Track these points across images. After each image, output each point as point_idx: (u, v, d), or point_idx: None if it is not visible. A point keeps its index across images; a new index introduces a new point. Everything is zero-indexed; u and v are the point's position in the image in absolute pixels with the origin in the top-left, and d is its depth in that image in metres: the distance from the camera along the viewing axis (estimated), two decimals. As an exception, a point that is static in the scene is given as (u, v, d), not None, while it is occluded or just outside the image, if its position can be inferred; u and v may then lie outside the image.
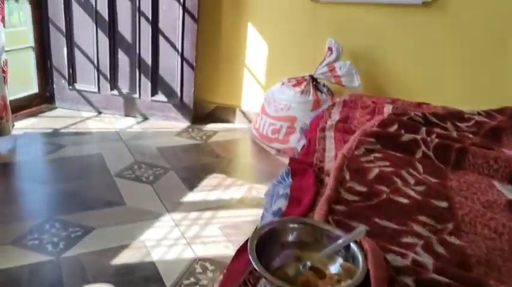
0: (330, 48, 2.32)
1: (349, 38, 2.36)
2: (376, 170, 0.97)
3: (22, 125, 2.40)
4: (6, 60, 2.20)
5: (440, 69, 2.30)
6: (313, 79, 2.35)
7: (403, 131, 1.16)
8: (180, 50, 2.46)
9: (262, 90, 2.61)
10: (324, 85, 2.38)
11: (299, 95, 2.29)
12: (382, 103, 1.46)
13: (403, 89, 2.36)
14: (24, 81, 2.67)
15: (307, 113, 2.27)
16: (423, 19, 2.26)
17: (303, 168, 0.95)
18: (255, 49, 2.56)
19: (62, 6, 2.44)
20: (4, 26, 2.17)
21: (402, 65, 2.35)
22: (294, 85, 2.33)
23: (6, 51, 2.20)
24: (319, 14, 2.39)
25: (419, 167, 1.01)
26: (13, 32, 2.26)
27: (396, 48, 2.34)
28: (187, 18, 2.40)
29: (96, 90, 2.58)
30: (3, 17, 2.15)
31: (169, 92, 2.56)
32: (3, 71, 2.19)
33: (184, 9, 2.39)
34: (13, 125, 2.28)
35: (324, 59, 2.33)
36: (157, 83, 2.55)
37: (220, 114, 2.71)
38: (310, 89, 2.31)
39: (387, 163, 1.01)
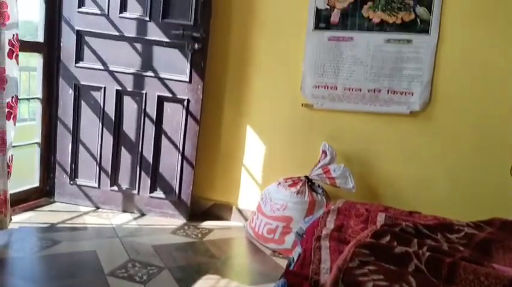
0: (324, 152, 2.43)
1: (342, 142, 2.49)
2: (370, 285, 0.99)
3: (19, 219, 2.41)
4: (12, 155, 2.28)
5: (430, 174, 2.40)
6: (309, 180, 2.43)
7: (395, 243, 1.19)
8: (181, 149, 2.57)
9: (259, 189, 2.67)
10: (319, 186, 2.45)
11: (295, 195, 2.35)
12: (376, 211, 1.51)
13: (395, 191, 2.44)
14: (25, 175, 2.72)
15: (303, 213, 2.31)
16: (412, 126, 2.41)
17: (299, 281, 0.97)
18: (253, 149, 2.68)
19: (72, 105, 2.59)
20: (15, 124, 2.28)
21: (393, 169, 2.45)
22: (290, 185, 2.40)
23: (13, 146, 2.29)
24: (314, 119, 2.55)
25: (413, 281, 1.03)
26: (21, 127, 2.36)
27: (387, 153, 2.46)
28: (190, 120, 2.54)
29: (96, 185, 2.64)
30: (14, 115, 2.27)
31: (167, 189, 2.61)
32: (8, 166, 2.25)
33: (188, 112, 2.54)
34: (10, 219, 2.29)
35: (319, 161, 2.43)
36: (157, 180, 2.62)
37: (217, 211, 2.74)
38: (306, 189, 2.37)
39: (381, 277, 1.04)
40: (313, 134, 2.55)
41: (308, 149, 2.55)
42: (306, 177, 2.44)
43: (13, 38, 2.16)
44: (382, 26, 2.39)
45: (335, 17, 2.44)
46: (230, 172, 2.73)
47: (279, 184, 2.44)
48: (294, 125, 2.59)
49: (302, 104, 2.54)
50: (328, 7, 2.44)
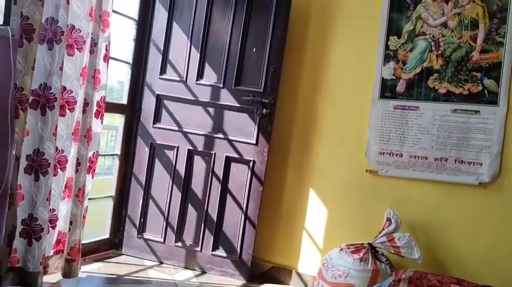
0: (388, 219, 2.40)
1: (407, 210, 2.45)
2: None
3: (88, 269, 2.52)
4: (87, 207, 2.45)
5: (500, 249, 2.28)
6: (372, 248, 2.38)
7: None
8: (244, 209, 2.63)
9: (320, 253, 2.65)
10: (382, 254, 2.39)
11: (358, 262, 2.30)
12: (448, 284, 1.46)
13: (462, 264, 2.33)
14: (97, 227, 2.88)
15: (365, 282, 2.25)
16: (481, 198, 2.34)
17: None
18: (315, 213, 2.69)
19: (147, 162, 2.77)
20: (93, 178, 2.47)
21: (461, 242, 2.36)
22: (353, 252, 2.37)
23: (89, 199, 2.46)
24: (378, 185, 2.55)
25: None
26: (97, 180, 2.54)
27: (454, 224, 2.39)
28: (254, 181, 2.63)
29: (161, 240, 2.73)
30: (94, 170, 2.46)
31: (229, 248, 2.65)
32: (83, 217, 2.41)
33: (253, 173, 2.63)
34: (80, 268, 2.40)
35: (383, 229, 2.39)
36: (220, 238, 2.67)
37: (277, 274, 2.72)
38: (369, 257, 2.32)
39: None
40: (377, 200, 2.54)
41: (371, 216, 2.53)
42: (370, 244, 2.39)
43: (101, 99, 2.41)
44: (449, 97, 2.42)
45: (401, 87, 2.51)
46: (291, 234, 2.74)
47: (341, 249, 2.41)
48: (358, 191, 2.59)
49: (366, 170, 2.56)
50: (394, 77, 2.52)
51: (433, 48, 2.46)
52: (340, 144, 2.65)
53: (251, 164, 2.64)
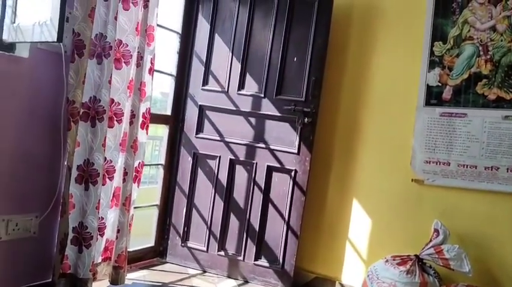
0: (436, 230, 2.32)
1: (456, 221, 2.36)
2: None
3: (134, 276, 2.58)
4: (133, 215, 2.51)
5: None
6: (419, 259, 2.31)
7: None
8: (286, 218, 2.62)
9: (364, 265, 2.59)
10: (430, 267, 2.31)
11: (404, 274, 2.24)
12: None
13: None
14: (143, 235, 2.95)
15: (413, 295, 2.18)
16: (537, 209, 2.22)
17: None
18: (359, 223, 2.64)
19: (190, 172, 2.82)
20: (138, 187, 2.53)
21: (516, 254, 2.25)
22: (399, 264, 2.30)
23: (134, 207, 2.53)
24: (424, 195, 2.47)
25: None
26: (142, 189, 2.61)
27: (508, 237, 2.27)
28: (296, 190, 2.61)
29: (204, 249, 2.76)
30: (139, 179, 2.52)
31: (272, 258, 2.64)
32: (129, 225, 2.48)
33: (295, 182, 2.62)
34: (126, 275, 2.46)
35: (430, 240, 2.31)
36: (262, 248, 2.67)
37: (319, 285, 2.69)
38: (416, 269, 2.25)
39: None
40: (424, 210, 2.46)
41: (417, 227, 2.45)
42: (416, 256, 2.32)
43: (146, 111, 2.48)
44: (499, 103, 2.32)
45: (447, 94, 2.44)
46: (334, 245, 2.70)
47: (387, 261, 2.35)
48: (403, 201, 2.53)
49: (412, 179, 2.49)
50: (440, 84, 2.45)
51: (481, 53, 2.38)
52: (384, 153, 2.60)
53: (293, 173, 2.63)
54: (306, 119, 2.59)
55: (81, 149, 2.12)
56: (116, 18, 2.12)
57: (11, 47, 1.96)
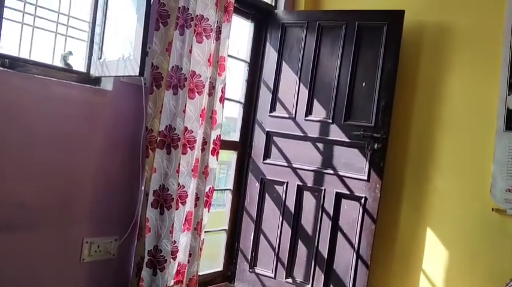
0: (523, 265, 2.15)
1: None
2: None
3: (203, 300, 2.62)
4: (203, 239, 2.57)
5: None
6: (504, 296, 2.14)
7: None
8: (356, 247, 2.55)
9: (441, 299, 2.45)
10: (517, 305, 2.14)
11: (487, 312, 2.08)
12: None
13: None
14: (210, 258, 3.00)
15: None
16: None
17: None
18: (434, 254, 2.51)
19: (257, 197, 2.85)
20: (209, 211, 2.59)
21: None
22: (481, 300, 2.15)
23: (205, 232, 2.59)
24: (507, 226, 2.31)
25: None
26: (215, 213, 2.67)
27: None
28: (366, 218, 2.55)
29: (272, 275, 2.75)
30: (210, 204, 2.58)
31: (341, 287, 2.58)
32: (200, 250, 2.53)
33: (364, 209, 2.55)
34: (196, 300, 2.51)
35: (516, 276, 2.14)
36: (331, 277, 2.62)
37: (392, 318, 2.57)
38: (501, 307, 2.09)
39: None
40: (506, 242, 2.29)
41: (499, 259, 2.29)
42: (500, 292, 2.16)
43: (216, 138, 2.55)
44: None
45: (531, 118, 2.29)
46: (407, 276, 2.58)
47: (467, 296, 2.21)
48: (482, 231, 2.37)
49: (492, 209, 2.34)
50: (522, 107, 2.31)
51: None
52: (461, 180, 2.47)
53: (362, 200, 2.57)
54: (375, 145, 2.54)
55: (157, 175, 2.22)
56: (190, 51, 2.23)
57: (97, 80, 2.12)
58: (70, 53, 2.09)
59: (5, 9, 1.83)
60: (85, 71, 2.13)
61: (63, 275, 2.05)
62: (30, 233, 1.91)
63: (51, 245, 1.98)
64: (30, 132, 1.87)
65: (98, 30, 2.12)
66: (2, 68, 1.80)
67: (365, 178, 2.57)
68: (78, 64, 2.13)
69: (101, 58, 2.09)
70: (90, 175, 2.10)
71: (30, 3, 1.95)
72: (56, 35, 2.06)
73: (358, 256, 2.55)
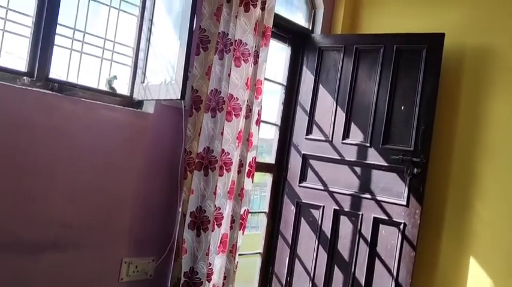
0: None
1: None
2: None
3: (237, 324, 2.59)
4: (237, 262, 2.55)
5: None
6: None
7: None
8: (395, 274, 2.47)
9: (487, 334, 2.32)
10: None
11: None
12: None
13: None
14: (244, 282, 2.97)
15: None
16: None
17: None
18: (477, 285, 2.39)
19: (292, 221, 2.82)
20: (243, 234, 2.58)
21: None
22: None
23: (240, 254, 2.57)
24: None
25: None
26: (248, 235, 2.65)
27: None
28: (406, 245, 2.47)
29: (307, 301, 2.70)
30: (244, 226, 2.57)
31: (379, 317, 2.49)
32: (234, 273, 2.51)
33: (404, 236, 2.48)
34: (230, 323, 2.48)
35: None
36: (368, 305, 2.54)
37: None
38: None
39: None
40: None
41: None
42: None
43: (252, 160, 2.56)
44: None
45: None
46: (449, 307, 2.47)
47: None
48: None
49: (542, 239, 2.23)
50: None
51: None
52: (508, 207, 2.37)
53: (401, 226, 2.50)
54: (415, 170, 2.48)
55: (194, 196, 2.24)
56: (229, 74, 2.26)
57: (139, 104, 2.19)
58: (115, 77, 2.17)
59: (56, 36, 1.94)
60: (128, 94, 2.20)
61: (101, 295, 2.08)
62: (74, 252, 1.96)
63: (92, 264, 2.03)
64: (76, 153, 1.94)
65: (141, 55, 2.20)
66: (51, 92, 1.89)
67: (404, 203, 2.51)
68: (122, 88, 2.21)
69: (143, 82, 2.16)
70: (130, 195, 2.15)
71: (79, 30, 2.05)
72: (101, 60, 2.15)
73: (397, 284, 2.47)
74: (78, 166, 1.95)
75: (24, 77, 1.85)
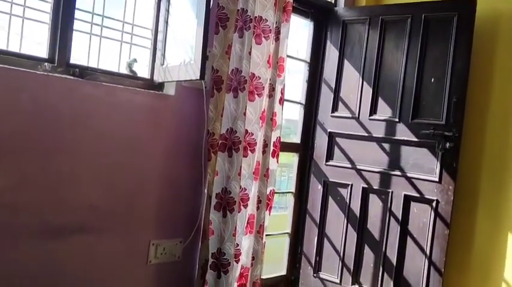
0: None
1: None
2: None
3: (267, 304, 2.59)
4: (265, 242, 2.53)
5: None
6: None
7: None
8: (428, 253, 2.40)
9: (526, 312, 2.23)
10: None
11: None
12: None
13: None
14: (272, 262, 2.95)
15: None
16: None
17: None
18: (517, 263, 2.30)
19: (320, 200, 2.78)
20: (270, 215, 2.55)
21: None
22: None
23: (267, 235, 2.55)
24: None
25: None
26: (276, 216, 2.63)
27: None
28: (439, 222, 2.39)
29: (337, 281, 2.66)
30: (270, 207, 2.55)
31: (412, 296, 2.44)
32: (262, 253, 2.50)
33: (436, 213, 2.40)
34: (259, 304, 2.48)
35: None
36: (400, 284, 2.48)
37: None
38: None
39: None
40: None
41: None
42: None
43: (276, 140, 2.51)
44: None
45: None
46: (486, 285, 2.38)
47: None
48: None
49: None
50: None
51: None
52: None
53: (434, 203, 2.41)
54: (447, 144, 2.37)
55: (219, 177, 2.22)
56: (249, 53, 2.21)
57: (160, 86, 2.17)
58: (135, 60, 2.16)
59: (74, 21, 1.93)
60: (149, 77, 2.19)
61: (131, 277, 2.11)
62: (101, 235, 1.99)
63: (120, 247, 2.05)
64: (99, 137, 1.95)
65: (160, 37, 2.17)
66: (72, 77, 1.89)
67: (436, 179, 2.41)
68: (142, 71, 2.20)
69: (163, 64, 2.14)
70: (155, 178, 2.15)
71: (97, 14, 2.04)
72: (121, 43, 2.14)
73: (431, 263, 2.40)
74: (103, 149, 1.96)
75: (46, 63, 1.85)
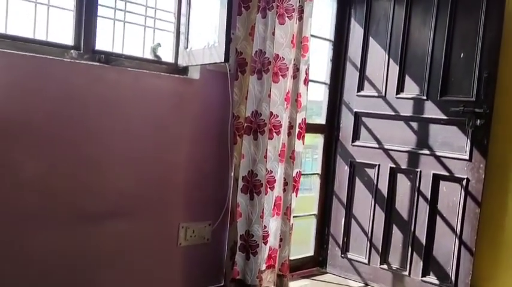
0: None
1: None
2: None
3: (296, 285, 2.61)
4: (292, 224, 2.54)
5: None
6: None
7: None
8: (458, 232, 2.36)
9: (561, 291, 2.19)
10: None
11: None
12: None
13: None
14: (302, 244, 2.97)
15: None
16: None
17: None
18: (551, 241, 2.24)
19: (347, 181, 2.76)
20: (296, 196, 2.55)
21: None
22: None
23: (294, 216, 2.56)
24: None
25: None
26: (301, 197, 2.62)
27: None
28: (469, 201, 2.34)
29: (366, 261, 2.66)
30: (297, 189, 2.54)
31: (442, 275, 2.41)
32: (290, 234, 2.51)
33: (467, 192, 2.35)
34: (288, 284, 2.50)
35: None
36: (430, 264, 2.46)
37: (502, 310, 2.36)
38: None
39: None
40: None
41: None
42: None
43: (302, 121, 2.49)
44: None
45: None
46: (519, 264, 2.34)
47: None
48: None
49: None
50: None
51: None
52: None
53: (464, 182, 2.36)
54: (478, 121, 2.31)
55: (245, 161, 2.23)
56: (273, 33, 2.18)
57: (185, 70, 2.17)
58: (159, 44, 2.15)
59: (98, 7, 1.93)
60: (173, 61, 2.18)
61: (162, 259, 2.15)
62: (132, 219, 2.02)
63: (150, 230, 2.09)
64: (128, 122, 1.97)
65: (183, 20, 2.16)
66: (98, 63, 1.90)
67: (466, 157, 2.35)
68: (167, 55, 2.19)
69: (187, 47, 2.13)
70: (182, 162, 2.17)
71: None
72: (144, 28, 2.13)
73: (461, 242, 2.36)
74: (131, 134, 1.99)
75: (72, 51, 1.87)
